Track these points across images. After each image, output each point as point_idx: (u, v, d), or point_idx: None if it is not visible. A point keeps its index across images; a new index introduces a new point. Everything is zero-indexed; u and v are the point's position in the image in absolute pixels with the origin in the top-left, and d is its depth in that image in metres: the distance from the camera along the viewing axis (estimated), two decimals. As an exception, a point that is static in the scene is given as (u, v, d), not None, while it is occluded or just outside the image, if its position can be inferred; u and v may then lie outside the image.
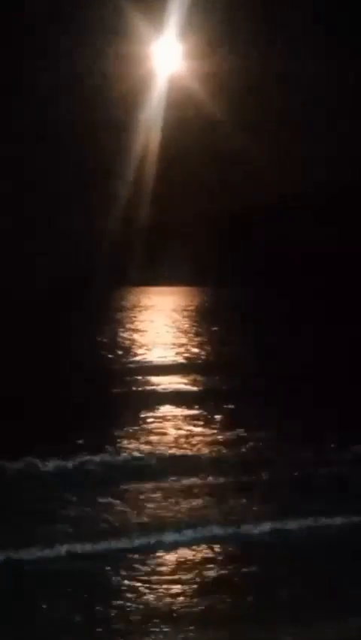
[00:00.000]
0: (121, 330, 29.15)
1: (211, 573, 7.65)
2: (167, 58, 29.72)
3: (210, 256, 45.07)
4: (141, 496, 9.60)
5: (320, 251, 42.24)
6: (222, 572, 7.72)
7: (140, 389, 16.45)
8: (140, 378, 17.53)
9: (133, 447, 11.52)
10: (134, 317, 36.62)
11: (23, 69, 33.41)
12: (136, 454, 11.22)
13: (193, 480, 10.11)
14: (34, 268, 40.56)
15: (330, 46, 31.05)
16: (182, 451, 11.54)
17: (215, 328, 29.71)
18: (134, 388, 16.65)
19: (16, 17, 31.59)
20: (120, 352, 22.33)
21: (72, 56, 30.47)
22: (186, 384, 16.85)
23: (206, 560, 8.07)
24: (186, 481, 10.10)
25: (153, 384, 16.83)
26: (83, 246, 42.22)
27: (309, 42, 31.28)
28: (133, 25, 28.12)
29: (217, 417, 13.47)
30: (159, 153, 34.62)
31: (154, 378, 17.42)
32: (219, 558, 8.09)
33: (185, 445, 11.77)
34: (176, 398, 15.15)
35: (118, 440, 11.60)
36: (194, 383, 16.93)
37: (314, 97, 34.44)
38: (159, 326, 31.16)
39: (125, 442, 11.76)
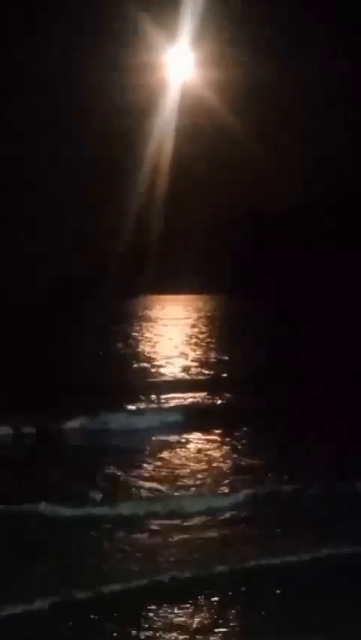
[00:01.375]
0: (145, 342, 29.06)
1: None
2: (179, 67, 29.88)
3: (222, 264, 45.33)
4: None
5: (332, 253, 42.50)
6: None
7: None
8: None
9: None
10: (151, 327, 36.70)
11: (38, 80, 33.75)
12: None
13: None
14: (40, 278, 40.78)
15: (348, 53, 31.28)
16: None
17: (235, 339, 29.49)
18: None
19: (30, 27, 31.95)
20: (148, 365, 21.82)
21: (87, 66, 30.78)
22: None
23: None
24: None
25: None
26: (93, 255, 42.44)
27: (324, 49, 31.54)
28: (145, 35, 28.40)
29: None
30: (171, 161, 34.89)
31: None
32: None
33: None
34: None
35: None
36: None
37: (330, 105, 34.71)
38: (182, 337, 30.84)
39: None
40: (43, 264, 39.04)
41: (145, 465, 11.18)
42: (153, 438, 12.81)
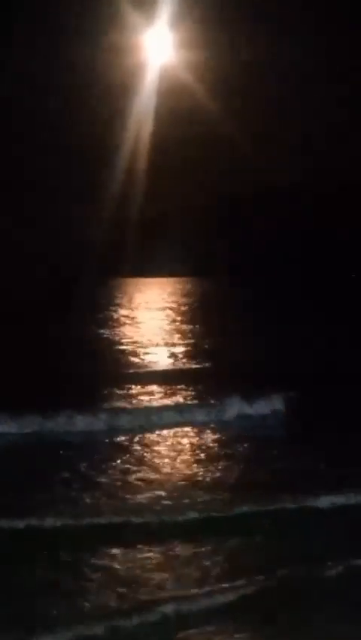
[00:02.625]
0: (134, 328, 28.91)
1: None
2: (159, 48, 29.71)
3: (206, 246, 45.34)
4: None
5: (322, 238, 42.64)
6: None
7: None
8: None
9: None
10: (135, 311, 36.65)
11: (15, 59, 33.46)
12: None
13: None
14: (26, 260, 40.54)
15: (327, 34, 31.23)
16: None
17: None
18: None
19: (5, 6, 31.62)
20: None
21: (64, 46, 30.53)
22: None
23: None
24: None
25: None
26: (77, 238, 42.25)
27: (304, 30, 31.47)
28: (124, 15, 28.18)
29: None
30: (151, 143, 34.80)
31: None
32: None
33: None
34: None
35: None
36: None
37: (309, 84, 34.68)
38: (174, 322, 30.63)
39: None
40: (22, 252, 38.83)
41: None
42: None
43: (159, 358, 20.37)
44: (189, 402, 14.58)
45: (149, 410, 13.99)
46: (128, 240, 41.69)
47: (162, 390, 15.74)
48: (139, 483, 9.69)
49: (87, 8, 29.89)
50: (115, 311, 35.06)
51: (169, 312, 34.57)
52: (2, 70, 33.46)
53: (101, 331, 26.84)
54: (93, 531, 8.23)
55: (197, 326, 28.27)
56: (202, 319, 30.80)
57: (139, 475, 10.03)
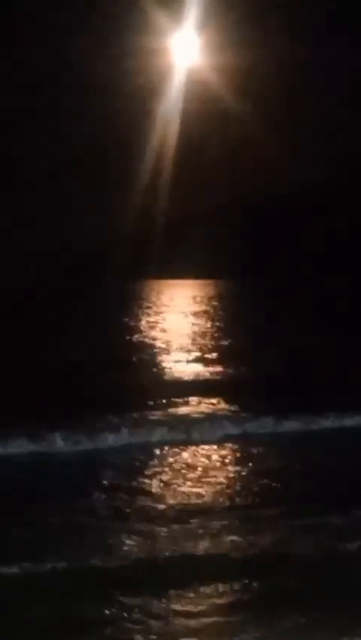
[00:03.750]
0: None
1: None
2: (185, 51, 29.58)
3: (231, 247, 44.97)
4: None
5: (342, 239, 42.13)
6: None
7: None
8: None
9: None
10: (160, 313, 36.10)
11: (39, 62, 33.33)
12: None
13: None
14: (45, 258, 40.50)
15: (353, 37, 30.84)
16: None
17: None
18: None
19: (29, 7, 31.54)
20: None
21: (90, 50, 30.40)
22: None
23: None
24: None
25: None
26: (100, 238, 42.15)
27: (331, 32, 31.10)
28: (150, 18, 28.03)
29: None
30: (177, 146, 34.56)
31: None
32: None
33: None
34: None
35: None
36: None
37: (335, 88, 34.28)
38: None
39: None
40: (45, 250, 38.71)
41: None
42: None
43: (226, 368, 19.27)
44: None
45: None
46: (152, 242, 41.44)
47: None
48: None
49: (114, 10, 29.72)
50: (161, 316, 33.56)
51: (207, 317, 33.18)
52: (27, 69, 33.35)
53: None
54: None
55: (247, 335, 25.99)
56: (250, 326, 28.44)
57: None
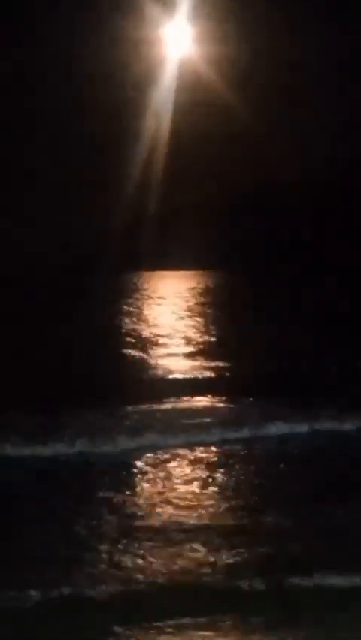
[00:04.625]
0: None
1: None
2: (177, 42, 29.41)
3: (223, 239, 44.83)
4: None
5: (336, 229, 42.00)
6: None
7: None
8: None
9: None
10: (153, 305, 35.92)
11: (30, 53, 33.06)
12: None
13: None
14: (40, 251, 40.26)
15: (344, 28, 30.71)
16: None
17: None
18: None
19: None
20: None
21: (81, 40, 30.16)
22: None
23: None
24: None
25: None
26: (92, 230, 41.92)
27: (323, 24, 30.93)
28: (143, 8, 27.79)
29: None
30: (169, 137, 34.36)
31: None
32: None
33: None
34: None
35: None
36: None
37: (327, 79, 34.13)
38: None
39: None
40: (40, 243, 38.46)
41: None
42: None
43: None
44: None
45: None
46: (144, 233, 41.23)
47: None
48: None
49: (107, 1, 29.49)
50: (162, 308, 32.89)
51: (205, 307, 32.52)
52: (24, 59, 33.00)
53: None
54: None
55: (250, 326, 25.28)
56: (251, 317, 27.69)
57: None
